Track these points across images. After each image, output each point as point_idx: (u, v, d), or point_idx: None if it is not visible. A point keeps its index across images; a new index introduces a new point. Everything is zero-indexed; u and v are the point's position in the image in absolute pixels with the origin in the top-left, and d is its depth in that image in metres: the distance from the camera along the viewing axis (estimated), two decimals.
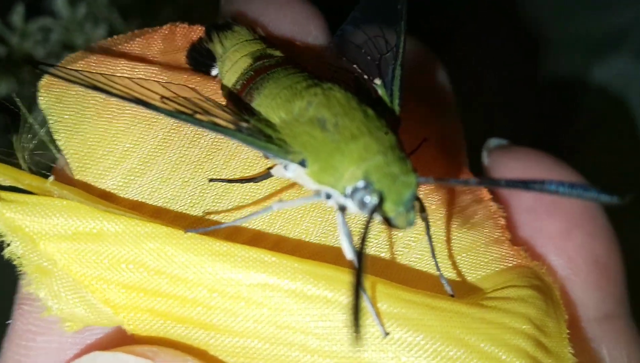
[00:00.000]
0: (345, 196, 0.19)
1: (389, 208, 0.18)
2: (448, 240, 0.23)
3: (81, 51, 0.23)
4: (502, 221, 0.24)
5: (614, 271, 0.26)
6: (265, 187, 0.22)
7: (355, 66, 0.23)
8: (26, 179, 0.21)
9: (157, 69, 0.23)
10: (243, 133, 0.19)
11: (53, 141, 0.22)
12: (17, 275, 0.21)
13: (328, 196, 0.19)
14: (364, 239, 0.16)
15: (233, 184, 0.22)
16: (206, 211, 0.22)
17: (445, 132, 0.27)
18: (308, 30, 0.26)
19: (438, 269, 0.21)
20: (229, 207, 0.22)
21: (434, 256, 0.21)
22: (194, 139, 0.22)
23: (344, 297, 0.19)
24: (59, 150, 0.22)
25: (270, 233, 0.21)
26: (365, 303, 0.19)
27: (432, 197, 0.23)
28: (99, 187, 0.22)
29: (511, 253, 0.24)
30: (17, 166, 0.22)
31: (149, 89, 0.20)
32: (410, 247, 0.22)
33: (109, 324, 0.21)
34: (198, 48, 0.23)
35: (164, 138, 0.22)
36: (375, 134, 0.19)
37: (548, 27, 0.42)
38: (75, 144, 0.22)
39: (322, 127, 0.19)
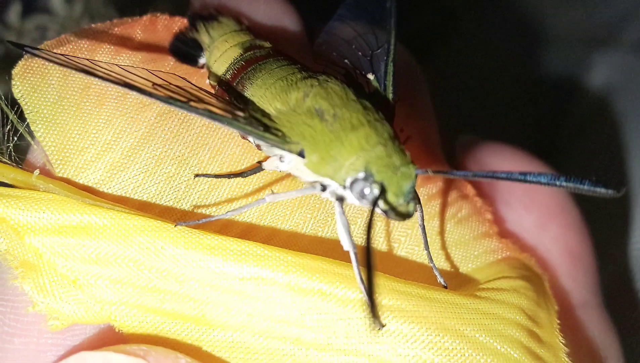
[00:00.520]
0: (345, 187, 0.18)
1: (389, 199, 0.18)
2: (438, 234, 0.23)
3: (56, 38, 0.23)
4: (489, 216, 0.25)
5: (587, 262, 0.27)
6: (253, 182, 0.22)
7: (346, 60, 0.23)
8: (10, 173, 0.20)
9: (139, 58, 0.22)
10: (240, 122, 0.19)
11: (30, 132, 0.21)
12: None
13: (324, 188, 0.19)
14: (369, 231, 0.16)
15: (220, 179, 0.22)
16: (194, 205, 0.21)
17: (424, 130, 0.27)
18: (282, 25, 0.26)
19: (431, 260, 0.21)
20: (218, 201, 0.22)
21: (427, 247, 0.21)
22: (178, 134, 0.22)
23: (339, 290, 0.19)
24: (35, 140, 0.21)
25: (262, 226, 0.21)
26: (362, 295, 0.19)
27: (419, 193, 0.23)
28: (80, 181, 0.21)
29: (500, 245, 0.24)
30: None
31: (139, 76, 0.20)
32: (401, 242, 0.22)
33: (97, 321, 0.20)
34: (182, 38, 0.23)
35: (147, 132, 0.22)
36: (374, 125, 0.18)
37: (542, 21, 0.42)
38: (54, 135, 0.21)
39: (321, 117, 0.19)
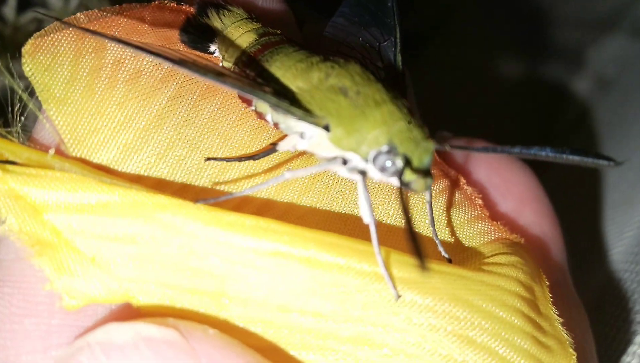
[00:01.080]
0: (367, 160, 0.19)
1: (409, 172, 0.19)
2: (436, 216, 0.24)
3: (59, 22, 0.23)
4: (480, 201, 0.26)
5: (559, 245, 0.28)
6: (263, 164, 0.23)
7: (355, 50, 0.23)
8: (25, 153, 0.20)
9: (150, 43, 0.23)
10: (269, 95, 0.19)
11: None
12: None
13: (345, 162, 0.20)
14: (403, 198, 0.17)
15: (231, 163, 0.22)
16: (211, 183, 0.22)
17: None
18: (273, 8, 0.26)
19: (436, 236, 0.22)
20: (231, 180, 0.22)
21: (432, 224, 0.22)
22: (189, 119, 0.22)
23: (356, 263, 0.20)
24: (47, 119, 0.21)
25: (278, 202, 0.22)
26: (379, 268, 0.20)
27: None
28: (94, 161, 0.21)
29: (492, 227, 0.25)
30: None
31: (170, 49, 0.20)
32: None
33: (114, 300, 0.20)
34: (194, 23, 0.23)
35: (159, 115, 0.22)
36: (396, 103, 0.19)
37: (541, 9, 0.44)
38: (67, 115, 0.21)
39: (345, 94, 0.20)
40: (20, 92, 0.21)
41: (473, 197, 0.26)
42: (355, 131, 0.19)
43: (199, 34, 0.23)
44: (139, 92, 0.22)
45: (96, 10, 0.23)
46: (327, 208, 0.22)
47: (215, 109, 0.22)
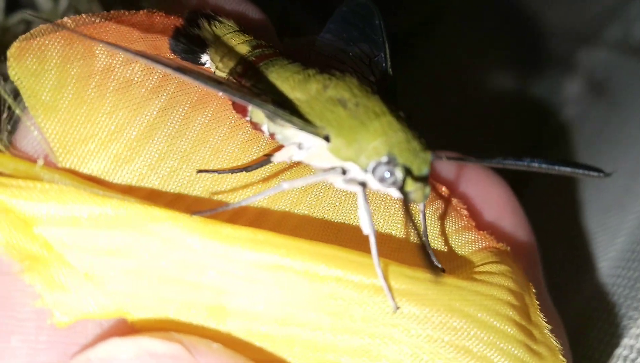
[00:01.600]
0: (366, 171, 0.19)
1: (409, 182, 0.19)
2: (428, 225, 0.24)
3: (48, 25, 0.22)
4: (465, 212, 0.26)
5: (534, 256, 0.29)
6: (255, 176, 0.22)
7: (346, 65, 0.24)
8: (11, 164, 0.20)
9: (137, 50, 0.22)
10: (270, 105, 0.19)
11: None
12: None
13: (344, 172, 0.20)
14: (409, 214, 0.17)
15: (223, 175, 0.22)
16: (200, 196, 0.21)
17: None
18: (248, 15, 0.26)
19: (428, 246, 0.22)
20: (223, 191, 0.22)
21: (425, 233, 0.22)
22: (180, 130, 0.22)
23: (354, 276, 0.20)
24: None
25: (273, 211, 0.22)
26: (377, 281, 0.20)
27: None
28: (84, 171, 0.21)
29: (479, 237, 0.26)
30: None
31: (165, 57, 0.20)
32: (397, 228, 0.23)
33: (107, 316, 0.20)
34: (184, 33, 0.23)
35: (150, 125, 0.21)
36: (395, 114, 0.20)
37: (530, 14, 0.44)
38: (56, 123, 0.21)
39: (344, 106, 0.20)
40: (8, 99, 0.20)
41: (458, 208, 0.26)
42: (355, 141, 0.19)
43: (190, 44, 0.22)
44: (130, 102, 0.21)
45: (84, 16, 0.22)
46: (320, 218, 0.22)
47: (207, 121, 0.22)
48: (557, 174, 0.21)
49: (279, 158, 0.21)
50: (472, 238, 0.25)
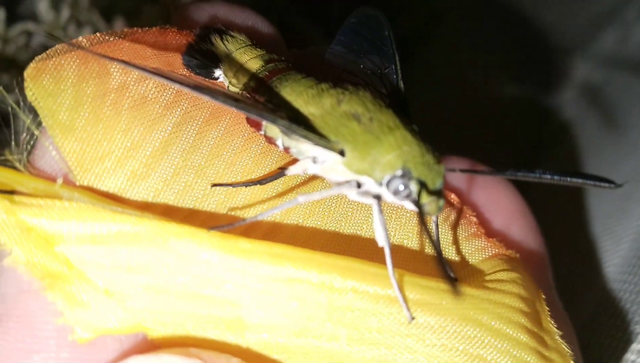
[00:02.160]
0: (381, 184, 0.20)
1: (424, 194, 0.19)
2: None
3: (62, 44, 0.22)
4: (475, 219, 0.27)
5: (544, 262, 0.29)
6: (268, 189, 0.23)
7: (357, 77, 0.24)
8: (31, 183, 0.20)
9: (154, 68, 0.23)
10: (285, 121, 0.20)
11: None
12: None
13: (359, 186, 0.20)
14: (426, 226, 0.17)
15: (237, 188, 0.22)
16: (215, 211, 0.22)
17: None
18: (259, 28, 0.26)
19: (440, 255, 0.23)
20: (237, 206, 0.22)
21: (438, 243, 0.23)
22: (194, 145, 0.22)
23: (369, 287, 0.20)
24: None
25: (285, 224, 0.22)
26: (394, 291, 0.20)
27: None
28: (101, 189, 0.21)
29: (489, 244, 0.26)
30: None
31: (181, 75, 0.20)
32: (409, 238, 0.24)
33: (128, 331, 0.20)
34: (197, 48, 0.23)
35: (165, 141, 0.22)
36: (408, 128, 0.20)
37: (527, 18, 0.45)
38: (73, 142, 0.21)
39: (358, 120, 0.20)
40: (27, 120, 0.20)
41: (468, 215, 0.27)
42: (370, 156, 0.20)
43: (203, 59, 0.23)
44: (145, 119, 0.22)
45: (99, 34, 0.22)
46: (332, 229, 0.22)
47: (220, 135, 0.22)
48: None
49: (293, 171, 0.21)
50: (482, 245, 0.26)
